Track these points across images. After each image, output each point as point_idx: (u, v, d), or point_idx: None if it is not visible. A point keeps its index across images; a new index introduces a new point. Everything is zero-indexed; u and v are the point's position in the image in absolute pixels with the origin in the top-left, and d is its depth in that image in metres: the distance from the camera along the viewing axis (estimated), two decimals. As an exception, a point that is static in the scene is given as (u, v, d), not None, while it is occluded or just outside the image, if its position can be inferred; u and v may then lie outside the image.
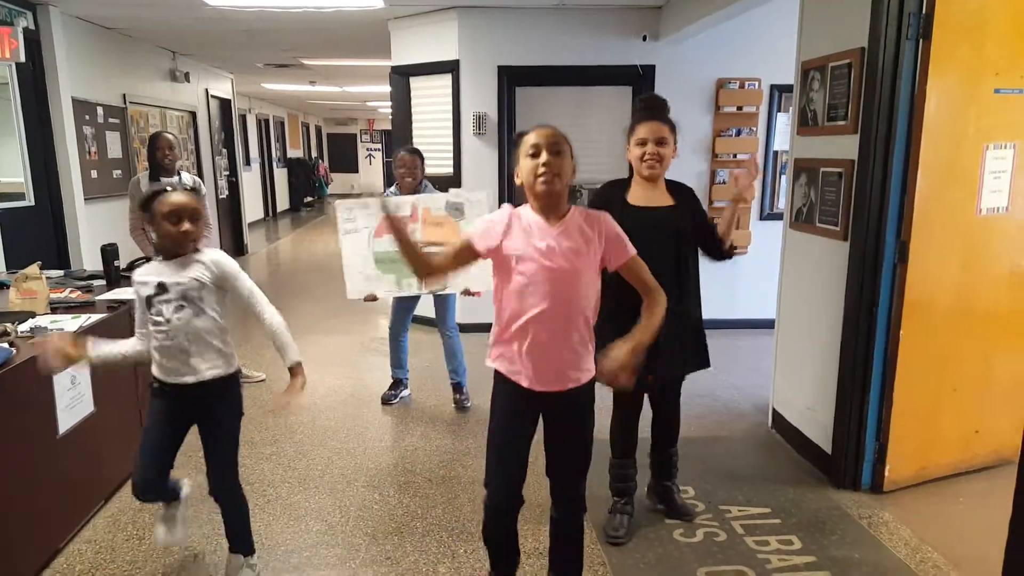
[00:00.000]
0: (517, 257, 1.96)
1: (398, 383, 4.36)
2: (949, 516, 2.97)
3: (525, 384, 2.01)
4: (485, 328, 2.24)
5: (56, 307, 3.17)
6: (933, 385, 3.09)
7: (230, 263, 2.32)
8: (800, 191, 3.53)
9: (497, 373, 2.08)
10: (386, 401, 4.29)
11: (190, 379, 2.26)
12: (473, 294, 3.64)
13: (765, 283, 4.56)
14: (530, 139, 1.97)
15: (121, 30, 6.66)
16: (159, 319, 2.23)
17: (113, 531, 2.86)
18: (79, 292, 3.46)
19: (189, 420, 2.36)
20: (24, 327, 2.79)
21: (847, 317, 3.14)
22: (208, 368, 2.27)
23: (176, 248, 2.25)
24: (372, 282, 3.57)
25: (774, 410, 3.87)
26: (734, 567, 2.58)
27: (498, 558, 2.28)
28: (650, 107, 2.70)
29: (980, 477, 3.24)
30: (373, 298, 3.63)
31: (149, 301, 2.24)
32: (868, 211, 2.98)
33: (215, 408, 2.34)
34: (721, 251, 2.74)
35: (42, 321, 2.88)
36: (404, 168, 3.87)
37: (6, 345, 2.54)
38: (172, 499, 2.55)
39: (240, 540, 2.48)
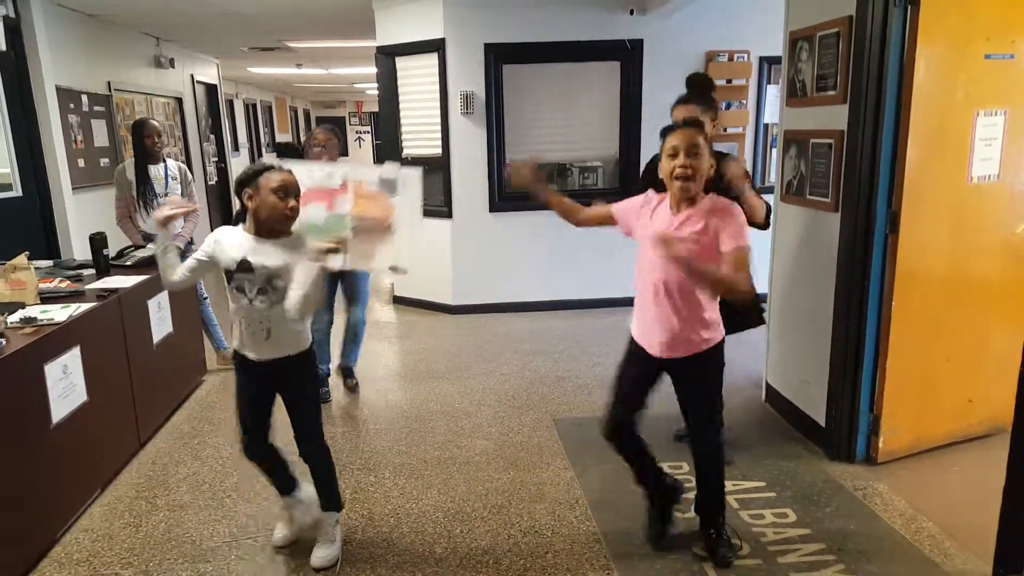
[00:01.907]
0: (640, 236, 2.30)
1: (322, 379, 4.07)
2: (944, 486, 2.99)
3: (641, 343, 2.38)
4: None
5: (46, 297, 3.14)
6: (926, 355, 3.10)
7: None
8: (790, 163, 3.51)
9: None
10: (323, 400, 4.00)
11: (266, 357, 2.36)
12: (400, 271, 3.54)
13: (757, 257, 4.55)
14: (671, 140, 2.20)
15: (103, 16, 6.56)
16: (241, 297, 2.29)
17: (110, 519, 2.86)
18: (68, 281, 3.43)
19: (272, 390, 2.48)
20: (14, 318, 2.77)
21: (839, 288, 3.13)
22: (286, 347, 2.37)
23: (278, 225, 2.28)
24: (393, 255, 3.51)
25: (767, 384, 3.88)
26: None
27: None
28: (690, 86, 3.01)
29: (974, 446, 3.26)
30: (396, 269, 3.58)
31: (230, 275, 2.29)
32: (859, 181, 2.96)
33: (295, 379, 2.44)
34: (758, 221, 2.83)
35: (32, 311, 2.86)
36: (319, 147, 3.77)
37: (-6, 337, 2.52)
38: (290, 490, 2.64)
39: (330, 497, 2.59)
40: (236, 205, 11.23)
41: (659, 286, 2.25)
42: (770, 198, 3.84)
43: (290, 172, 2.30)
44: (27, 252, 3.19)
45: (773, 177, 4.84)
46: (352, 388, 4.21)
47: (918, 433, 3.18)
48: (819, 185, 3.24)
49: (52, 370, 2.69)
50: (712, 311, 2.30)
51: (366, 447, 3.47)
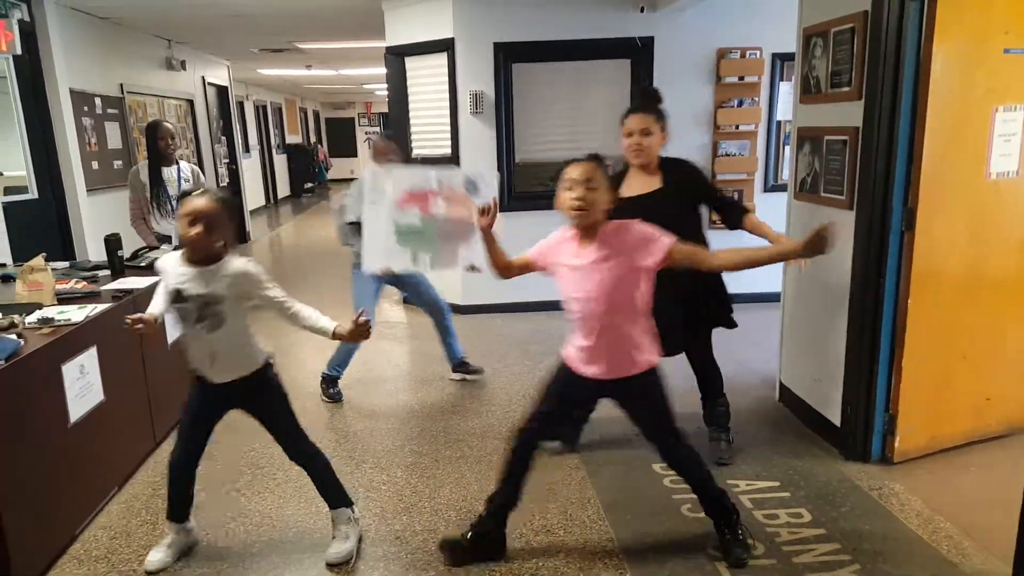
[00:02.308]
0: (560, 272, 2.32)
1: (333, 381, 4.13)
2: (961, 486, 2.96)
3: (571, 365, 2.38)
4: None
5: (62, 298, 3.16)
6: (943, 354, 3.07)
7: (254, 273, 2.33)
8: (804, 161, 3.49)
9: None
10: (334, 399, 4.10)
11: (218, 380, 2.38)
12: (477, 270, 3.58)
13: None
14: (567, 174, 2.23)
15: (116, 19, 6.61)
16: (183, 324, 2.33)
17: (127, 517, 2.88)
18: (84, 283, 3.45)
19: (223, 412, 2.48)
20: (31, 318, 2.79)
21: (854, 287, 3.11)
22: (234, 370, 2.38)
23: (191, 253, 2.29)
24: (391, 255, 3.47)
25: (781, 383, 3.85)
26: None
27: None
28: (641, 98, 3.01)
29: (992, 446, 3.23)
30: (389, 272, 3.58)
31: (170, 302, 2.31)
32: (874, 178, 2.94)
33: (256, 399, 2.46)
34: (734, 217, 2.95)
35: (49, 312, 2.88)
36: (383, 157, 3.88)
37: (14, 336, 2.54)
38: (182, 519, 2.59)
39: (334, 494, 2.60)
40: (248, 207, 11.23)
41: (585, 313, 2.27)
42: (783, 196, 3.84)
43: (208, 199, 2.26)
44: (44, 254, 3.22)
45: (787, 174, 4.82)
46: (478, 371, 4.33)
47: (935, 432, 3.15)
48: (834, 182, 3.22)
49: (69, 370, 2.72)
50: (644, 334, 2.31)
51: (378, 446, 3.48)
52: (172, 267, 2.33)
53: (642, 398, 2.39)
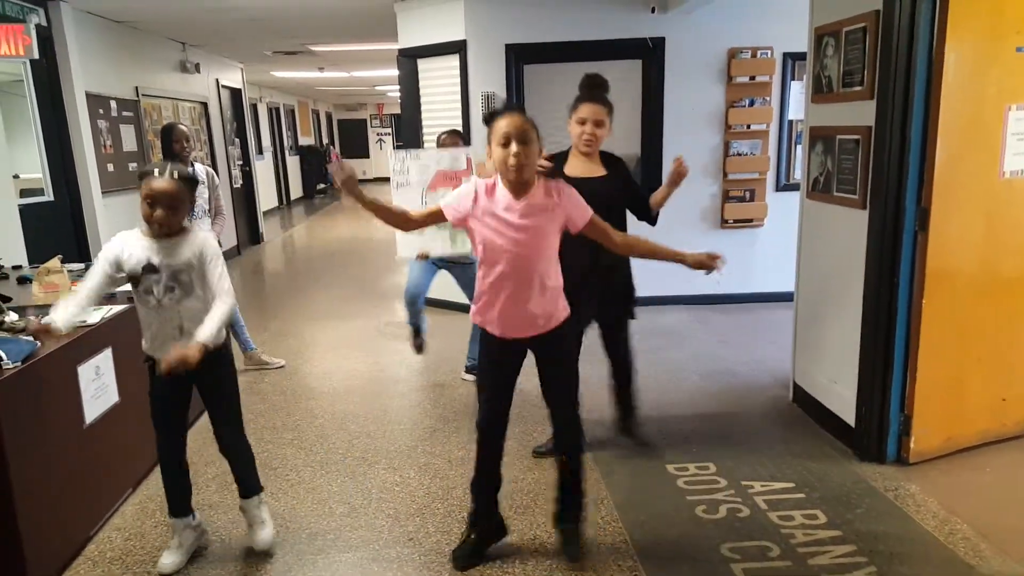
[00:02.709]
0: (486, 222, 2.25)
1: (418, 330, 4.32)
2: (978, 486, 2.93)
3: (497, 333, 2.35)
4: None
5: (77, 300, 3.19)
6: (958, 354, 3.04)
7: (212, 247, 2.40)
8: (816, 160, 3.47)
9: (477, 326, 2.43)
10: (420, 349, 4.36)
11: None
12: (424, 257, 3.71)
13: (783, 255, 4.51)
14: (501, 127, 2.16)
15: (131, 23, 6.68)
16: (149, 298, 2.32)
17: (142, 518, 2.90)
18: (99, 285, 3.48)
19: (187, 388, 2.49)
20: (47, 320, 2.82)
21: (867, 287, 3.09)
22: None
23: (154, 231, 2.32)
24: (427, 239, 3.43)
25: (795, 384, 3.83)
26: (758, 543, 2.57)
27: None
28: (592, 88, 3.01)
29: (1009, 446, 3.20)
30: (426, 256, 3.60)
31: (137, 278, 2.31)
32: (887, 178, 2.92)
33: (210, 372, 2.40)
34: (649, 216, 3.09)
35: (63, 314, 2.91)
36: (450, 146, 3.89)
37: (31, 338, 2.57)
38: (184, 512, 2.60)
39: (251, 484, 2.61)
40: (261, 208, 11.24)
41: (514, 266, 2.24)
42: (796, 195, 3.82)
43: (168, 179, 2.25)
44: (60, 256, 3.26)
45: (799, 174, 4.80)
46: None
47: (950, 433, 3.12)
48: (846, 182, 3.20)
49: (85, 371, 2.74)
50: (558, 283, 2.35)
51: (391, 447, 3.49)
52: (134, 242, 2.34)
53: (562, 349, 2.42)
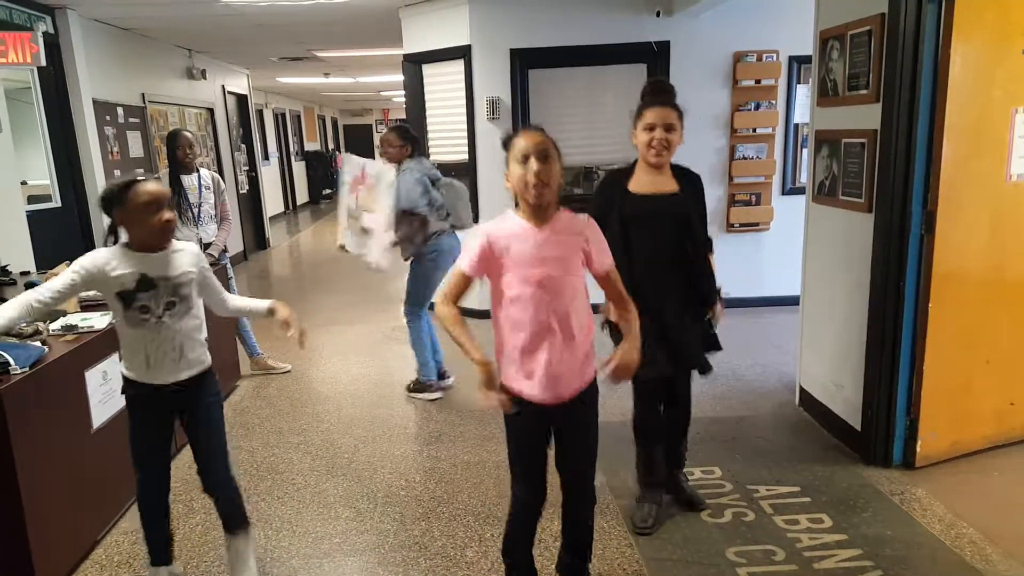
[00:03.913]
0: (506, 261, 1.96)
1: (441, 375, 4.27)
2: (985, 491, 2.92)
3: (537, 396, 1.98)
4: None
5: (85, 305, 3.21)
6: (965, 358, 3.03)
7: (200, 253, 2.28)
8: (822, 164, 3.46)
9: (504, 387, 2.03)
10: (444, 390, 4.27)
11: (181, 377, 2.18)
12: (373, 268, 3.85)
13: (788, 259, 4.50)
14: (519, 145, 1.94)
15: (138, 30, 6.72)
16: (147, 317, 2.09)
17: (148, 523, 2.91)
18: (106, 290, 3.50)
19: (172, 420, 2.28)
20: (55, 325, 2.84)
21: (873, 291, 3.08)
22: (195, 364, 2.21)
23: (160, 241, 2.10)
24: (345, 235, 3.77)
25: (801, 388, 3.82)
26: (763, 547, 2.56)
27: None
28: (658, 92, 2.59)
29: (1017, 450, 3.18)
30: (343, 248, 3.78)
31: (129, 297, 2.07)
32: (893, 181, 2.92)
33: (202, 401, 2.25)
34: (707, 244, 2.65)
35: (72, 319, 2.93)
36: (385, 144, 3.96)
37: (39, 343, 2.58)
38: (166, 560, 2.40)
39: (240, 520, 2.36)
40: (267, 213, 11.22)
41: (554, 319, 1.94)
42: (801, 199, 3.82)
43: (156, 183, 2.09)
44: (67, 261, 3.27)
45: (804, 178, 4.79)
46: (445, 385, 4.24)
47: (957, 437, 3.11)
48: (852, 185, 3.20)
49: (92, 376, 2.76)
50: (591, 326, 2.06)
51: (396, 451, 3.49)
52: (118, 259, 2.07)
53: (592, 411, 2.10)
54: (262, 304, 2.40)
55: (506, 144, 2.00)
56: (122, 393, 2.23)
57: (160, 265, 2.10)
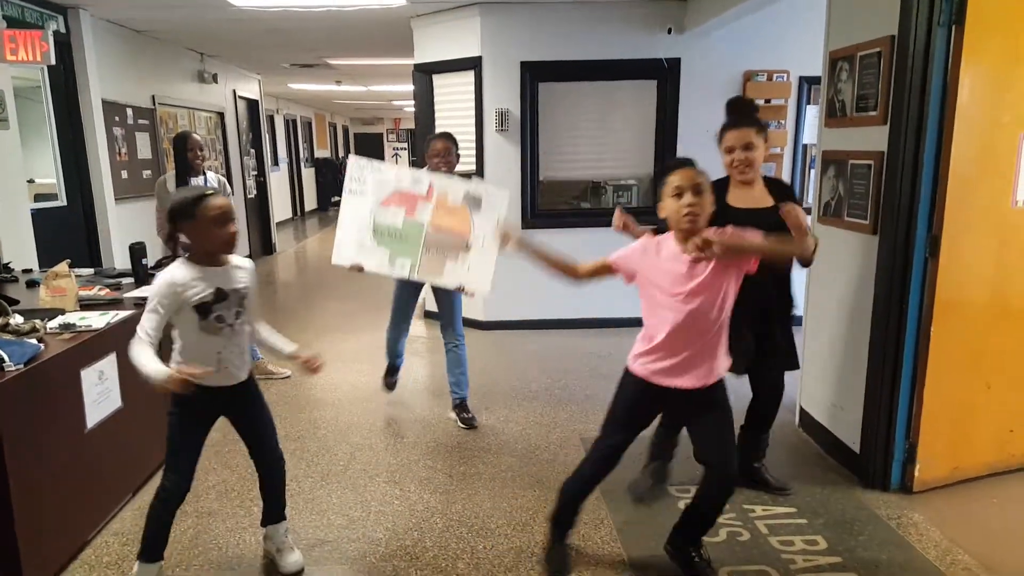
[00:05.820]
0: (654, 276, 2.27)
1: (394, 369, 4.26)
2: (982, 518, 2.88)
3: (668, 384, 2.29)
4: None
5: (85, 304, 3.21)
6: (966, 383, 3.00)
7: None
8: (828, 184, 3.45)
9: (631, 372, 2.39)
10: (391, 388, 4.30)
11: (244, 376, 2.39)
12: (467, 294, 3.31)
13: (792, 279, 4.47)
14: (673, 181, 2.20)
15: (150, 32, 6.77)
16: (222, 325, 2.26)
17: (140, 524, 2.84)
18: (108, 290, 3.51)
19: (215, 420, 2.45)
20: (53, 323, 2.83)
21: (876, 313, 3.06)
22: (247, 365, 2.41)
23: (226, 252, 2.28)
24: (364, 252, 3.22)
25: (801, 408, 3.79)
26: (757, 567, 2.53)
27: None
28: (733, 112, 2.86)
29: (1016, 478, 3.15)
30: (359, 268, 3.25)
31: (206, 308, 2.21)
32: (898, 204, 2.90)
33: (255, 396, 2.47)
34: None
35: (71, 318, 2.93)
36: (438, 157, 3.70)
37: (35, 341, 2.58)
38: (157, 557, 2.44)
39: (281, 506, 2.60)
40: (274, 219, 11.19)
41: (691, 321, 2.21)
42: (808, 220, 3.79)
43: (223, 197, 2.27)
44: (68, 260, 3.28)
45: (810, 198, 4.77)
46: (466, 423, 3.89)
47: (956, 463, 3.08)
48: (857, 207, 3.18)
49: (88, 376, 2.75)
50: (725, 341, 2.32)
51: (392, 460, 3.47)
52: (188, 276, 2.20)
53: (720, 406, 2.35)
54: (286, 347, 2.48)
55: (658, 177, 2.29)
56: (174, 402, 2.30)
57: (228, 278, 2.28)
